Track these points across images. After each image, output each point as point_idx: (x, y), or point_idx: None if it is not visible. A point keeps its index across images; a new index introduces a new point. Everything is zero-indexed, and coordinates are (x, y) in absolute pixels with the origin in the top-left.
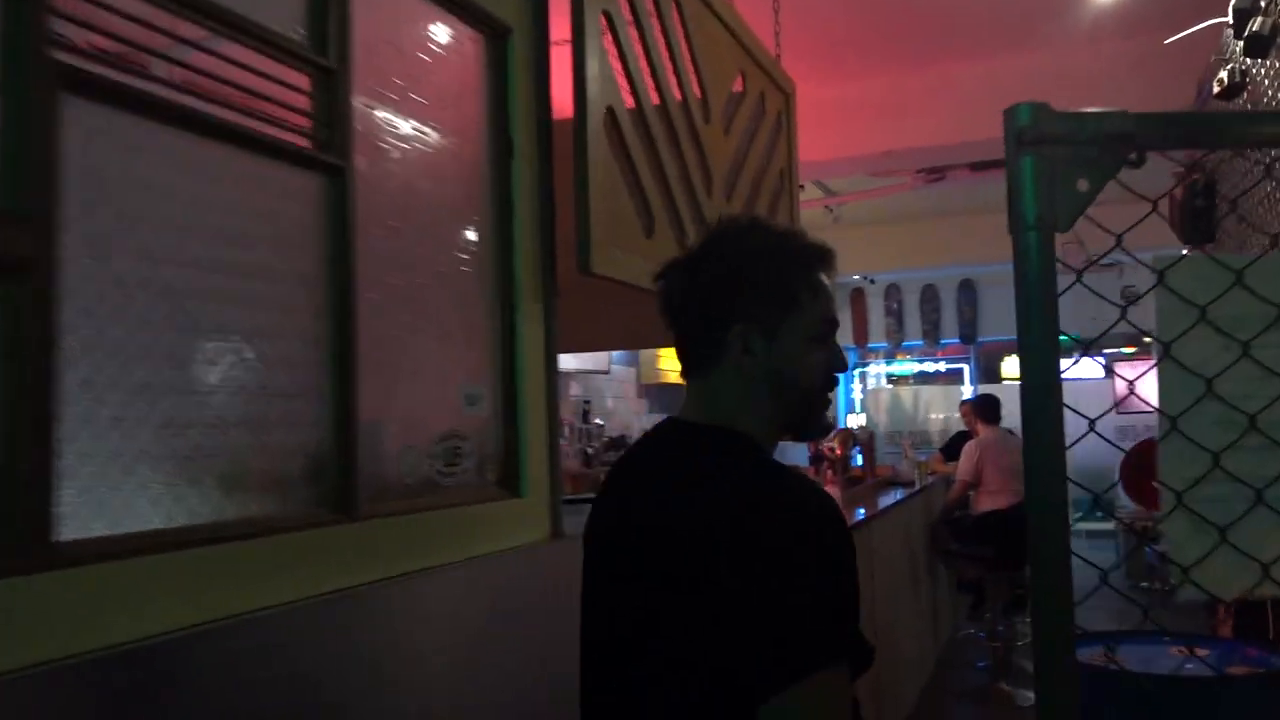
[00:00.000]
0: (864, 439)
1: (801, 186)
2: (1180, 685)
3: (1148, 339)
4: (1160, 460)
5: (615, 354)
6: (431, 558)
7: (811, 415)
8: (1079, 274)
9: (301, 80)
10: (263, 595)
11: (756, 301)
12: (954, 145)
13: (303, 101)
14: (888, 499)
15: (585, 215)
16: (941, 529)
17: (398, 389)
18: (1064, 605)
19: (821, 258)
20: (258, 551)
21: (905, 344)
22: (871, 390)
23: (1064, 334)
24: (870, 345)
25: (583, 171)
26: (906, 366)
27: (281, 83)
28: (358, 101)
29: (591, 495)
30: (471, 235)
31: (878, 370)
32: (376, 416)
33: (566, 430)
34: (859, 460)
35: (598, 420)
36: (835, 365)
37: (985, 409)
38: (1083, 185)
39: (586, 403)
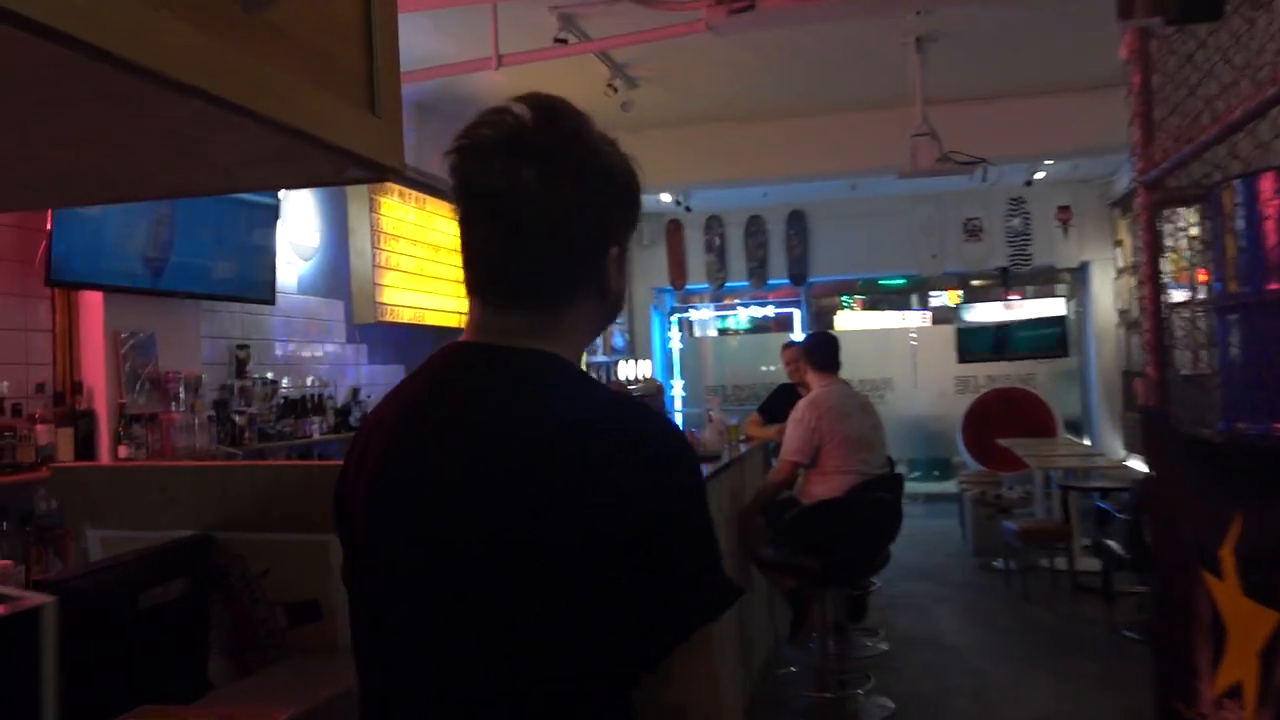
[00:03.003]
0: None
1: (564, 39)
2: None
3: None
4: None
5: (302, 277)
6: None
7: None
8: None
9: None
10: None
11: (629, 219)
12: None
13: None
14: None
15: None
16: (755, 522)
17: None
18: None
19: None
20: None
21: (729, 285)
22: (692, 340)
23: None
24: (690, 287)
25: None
26: (738, 313)
27: None
28: None
29: None
30: None
31: (699, 317)
32: None
33: (181, 390)
34: None
35: (267, 375)
36: None
37: (818, 352)
38: None
39: (242, 348)
